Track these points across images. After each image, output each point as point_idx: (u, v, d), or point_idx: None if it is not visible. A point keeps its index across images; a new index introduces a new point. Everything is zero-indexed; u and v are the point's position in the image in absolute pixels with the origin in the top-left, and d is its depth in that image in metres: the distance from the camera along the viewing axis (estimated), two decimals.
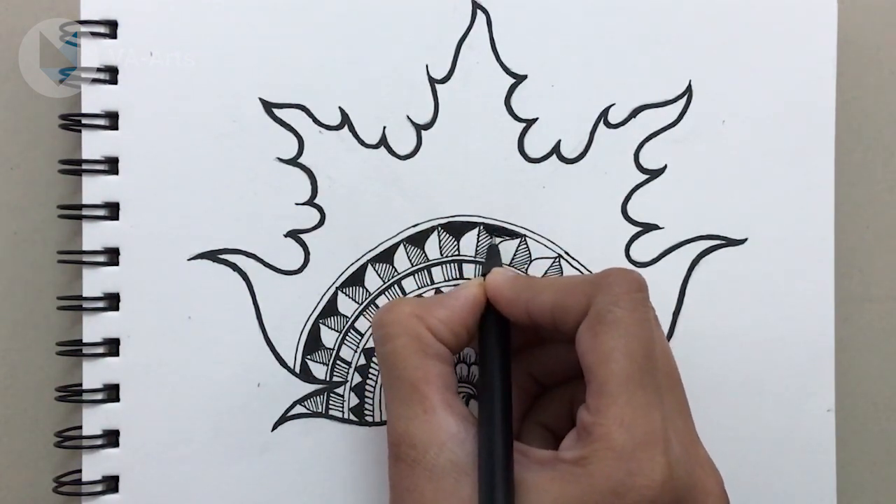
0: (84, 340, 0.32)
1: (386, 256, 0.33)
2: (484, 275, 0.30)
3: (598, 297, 0.26)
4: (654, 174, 0.33)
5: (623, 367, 0.24)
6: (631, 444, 0.23)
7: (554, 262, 0.33)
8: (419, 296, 0.33)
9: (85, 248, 0.32)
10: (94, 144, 0.32)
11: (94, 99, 0.32)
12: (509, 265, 0.33)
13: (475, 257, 0.33)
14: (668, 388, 0.26)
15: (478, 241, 0.33)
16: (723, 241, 0.33)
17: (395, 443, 0.26)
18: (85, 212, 0.32)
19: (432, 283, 0.33)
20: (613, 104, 0.33)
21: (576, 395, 0.29)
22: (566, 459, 0.24)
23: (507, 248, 0.33)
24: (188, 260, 0.32)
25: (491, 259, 0.32)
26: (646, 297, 0.26)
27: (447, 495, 0.25)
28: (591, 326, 0.25)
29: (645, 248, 0.33)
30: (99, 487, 0.32)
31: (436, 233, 0.33)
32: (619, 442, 0.23)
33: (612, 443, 0.23)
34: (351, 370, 0.33)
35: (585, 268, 0.33)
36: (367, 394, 0.33)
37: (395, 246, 0.33)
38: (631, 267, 0.33)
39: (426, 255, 0.33)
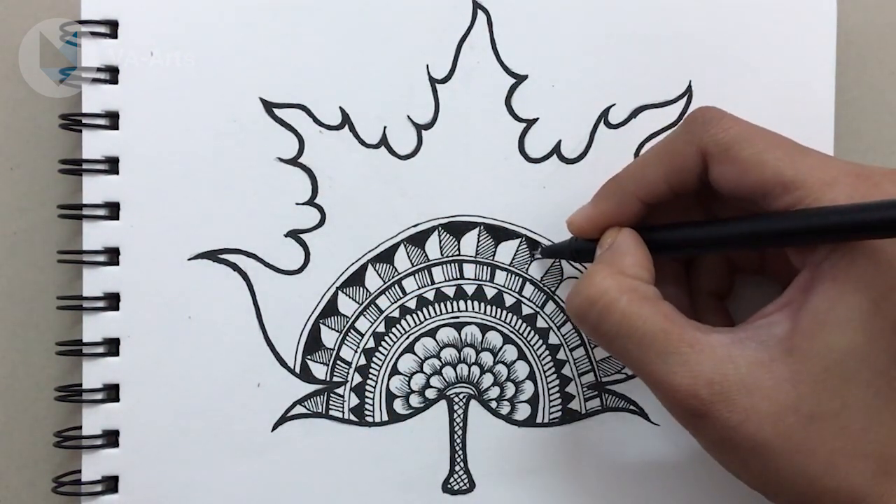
0: (84, 340, 0.32)
1: (386, 256, 0.33)
2: (575, 252, 0.31)
3: (706, 137, 0.26)
4: None
5: (786, 150, 0.25)
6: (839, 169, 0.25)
7: (554, 262, 0.33)
8: (421, 297, 0.33)
9: (85, 248, 0.32)
10: (94, 144, 0.32)
11: (95, 99, 0.32)
12: (509, 265, 0.33)
13: (475, 257, 0.33)
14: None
15: (478, 241, 0.33)
16: None
17: (686, 397, 0.24)
18: (85, 212, 0.32)
19: (433, 283, 0.33)
20: (614, 104, 0.33)
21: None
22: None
23: (510, 248, 0.33)
24: (188, 260, 0.32)
25: (559, 249, 0.32)
26: (733, 115, 0.27)
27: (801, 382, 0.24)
28: (724, 157, 0.26)
29: None
30: (98, 487, 0.32)
31: (436, 233, 0.33)
32: (828, 175, 0.25)
33: (827, 177, 0.25)
34: (351, 370, 0.33)
35: (585, 267, 0.33)
36: (367, 394, 0.33)
37: (396, 246, 0.33)
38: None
39: (426, 255, 0.33)
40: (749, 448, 0.24)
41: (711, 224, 0.28)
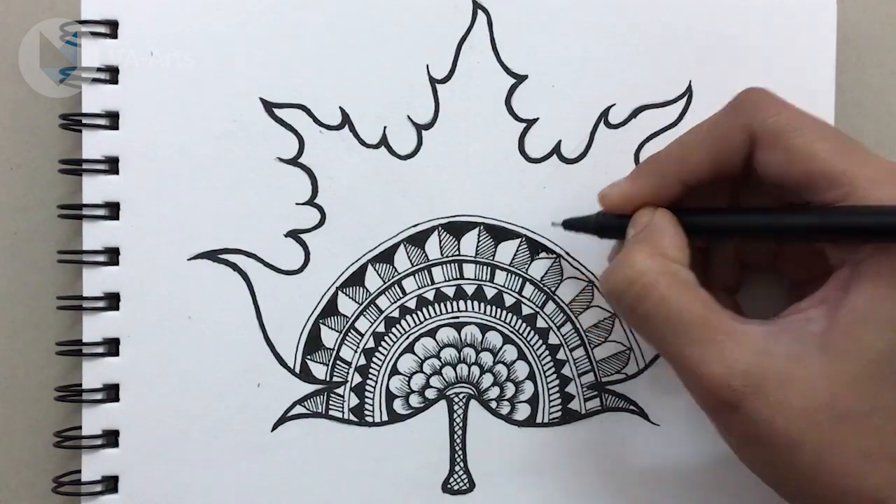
0: (84, 340, 0.32)
1: (386, 256, 0.33)
2: (607, 228, 0.30)
3: (756, 120, 0.26)
4: None
5: (834, 145, 0.25)
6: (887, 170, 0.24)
7: (554, 262, 0.33)
8: (421, 297, 0.33)
9: (85, 248, 0.32)
10: (94, 144, 0.32)
11: (95, 99, 0.32)
12: (509, 265, 0.33)
13: (475, 257, 0.33)
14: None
15: (478, 242, 0.33)
16: None
17: (719, 387, 0.24)
18: (85, 212, 0.32)
19: (433, 283, 0.33)
20: (614, 104, 0.33)
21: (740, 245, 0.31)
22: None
23: (510, 248, 0.33)
24: (188, 260, 0.32)
25: (586, 223, 0.31)
26: (784, 99, 0.26)
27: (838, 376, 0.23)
28: (774, 143, 0.25)
29: None
30: (98, 487, 0.32)
31: (436, 233, 0.33)
32: (880, 173, 0.24)
33: (874, 174, 0.24)
34: (351, 370, 0.33)
35: (585, 267, 0.33)
36: (367, 394, 0.33)
37: (396, 246, 0.33)
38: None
39: (426, 255, 0.33)
40: (777, 443, 0.24)
41: (759, 213, 0.27)
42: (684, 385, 0.26)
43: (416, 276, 0.33)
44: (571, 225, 0.31)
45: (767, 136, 0.26)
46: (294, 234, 0.33)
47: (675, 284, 0.25)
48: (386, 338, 0.33)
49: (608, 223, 0.30)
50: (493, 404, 0.33)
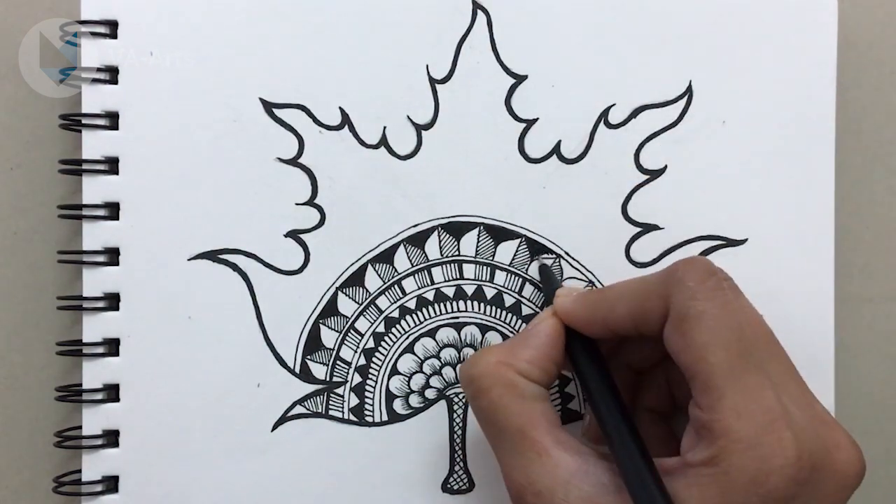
0: (84, 340, 0.32)
1: (386, 256, 0.33)
2: (547, 299, 0.30)
3: (674, 297, 0.25)
4: (654, 174, 0.33)
5: (721, 359, 0.24)
6: (754, 430, 0.23)
7: (554, 262, 0.33)
8: (421, 297, 0.33)
9: (85, 248, 0.32)
10: (94, 144, 0.32)
11: (95, 99, 0.32)
12: (509, 265, 0.33)
13: (475, 257, 0.33)
14: (770, 356, 0.26)
15: (478, 242, 0.33)
16: (723, 242, 0.33)
17: (517, 495, 0.26)
18: (85, 212, 0.32)
19: (432, 283, 0.33)
20: (613, 104, 0.33)
21: (670, 373, 0.30)
22: (695, 462, 0.24)
23: (510, 248, 0.33)
24: (188, 260, 0.32)
25: (547, 281, 0.32)
26: (720, 280, 0.26)
27: None
28: (677, 327, 0.25)
29: (645, 248, 0.33)
30: (99, 487, 0.32)
31: (436, 233, 0.33)
32: (742, 433, 0.23)
33: (736, 435, 0.23)
34: (351, 370, 0.33)
35: (585, 267, 0.33)
36: (367, 394, 0.33)
37: (396, 246, 0.33)
38: (632, 268, 0.33)
39: (426, 256, 0.33)
40: None
41: (594, 383, 0.27)
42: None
43: (416, 276, 0.33)
44: (541, 272, 0.33)
45: (676, 317, 0.25)
46: (294, 234, 0.33)
47: (508, 395, 0.27)
48: (386, 338, 0.33)
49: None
50: None
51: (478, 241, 0.33)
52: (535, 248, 0.33)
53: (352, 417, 0.33)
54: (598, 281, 0.33)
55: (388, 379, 0.33)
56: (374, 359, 0.33)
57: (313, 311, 0.33)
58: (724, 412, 0.24)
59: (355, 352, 0.33)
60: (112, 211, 0.32)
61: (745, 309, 0.26)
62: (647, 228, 0.33)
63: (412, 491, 0.33)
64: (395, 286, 0.33)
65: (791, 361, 0.26)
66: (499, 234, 0.33)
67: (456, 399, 0.33)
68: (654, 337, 0.27)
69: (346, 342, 0.33)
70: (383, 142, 0.33)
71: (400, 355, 0.33)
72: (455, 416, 0.33)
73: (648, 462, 0.25)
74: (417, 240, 0.33)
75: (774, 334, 0.27)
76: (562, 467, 0.25)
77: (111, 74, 0.32)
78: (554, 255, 0.33)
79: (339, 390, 0.33)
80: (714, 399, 0.24)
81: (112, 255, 0.32)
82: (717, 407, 0.24)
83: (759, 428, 0.23)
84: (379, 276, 0.33)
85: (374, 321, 0.33)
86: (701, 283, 0.25)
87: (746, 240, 0.33)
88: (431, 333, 0.33)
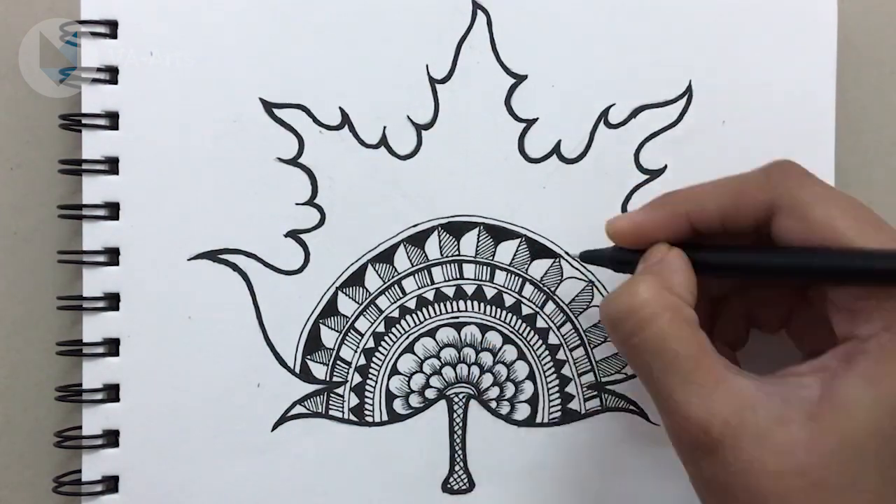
0: (84, 340, 0.32)
1: (386, 256, 0.33)
2: (613, 260, 0.30)
3: (781, 187, 0.26)
4: (654, 174, 0.33)
5: (852, 225, 0.25)
6: None
7: (554, 262, 0.33)
8: (421, 297, 0.33)
9: (85, 248, 0.32)
10: (94, 144, 0.32)
11: (94, 99, 0.32)
12: (509, 265, 0.33)
13: (475, 257, 0.33)
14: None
15: (478, 241, 0.33)
16: None
17: (702, 429, 0.24)
18: (85, 212, 0.32)
19: (432, 283, 0.33)
20: (613, 104, 0.33)
21: (750, 304, 0.31)
22: (868, 334, 0.24)
23: (510, 248, 0.33)
24: (188, 260, 0.32)
25: (595, 254, 0.31)
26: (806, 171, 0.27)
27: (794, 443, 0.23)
28: (792, 212, 0.25)
29: None
30: (99, 487, 0.32)
31: (436, 233, 0.33)
32: None
33: None
34: (351, 370, 0.33)
35: (585, 267, 0.33)
36: (367, 394, 0.33)
37: (396, 246, 0.33)
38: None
39: (426, 255, 0.33)
40: (740, 497, 0.24)
41: (768, 252, 0.27)
42: (662, 420, 0.26)
43: (416, 276, 0.33)
44: (588, 258, 0.31)
45: (790, 204, 0.26)
46: (294, 234, 0.33)
47: (676, 321, 0.25)
48: (386, 338, 0.33)
49: (623, 258, 0.29)
50: (493, 404, 0.33)
51: (478, 241, 0.33)
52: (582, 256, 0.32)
53: (352, 417, 0.33)
54: (598, 281, 0.33)
55: (389, 379, 0.33)
56: (374, 359, 0.33)
57: (313, 311, 0.33)
58: (877, 244, 0.24)
59: (355, 352, 0.33)
60: (112, 211, 0.32)
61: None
62: None
63: (412, 491, 0.33)
64: (395, 286, 0.33)
65: None
66: (499, 233, 0.33)
67: (456, 399, 0.33)
68: (740, 232, 0.27)
69: (346, 342, 0.33)
70: (383, 142, 0.33)
71: (400, 355, 0.33)
72: (455, 416, 0.33)
73: None
74: (417, 240, 0.33)
75: None
76: (742, 390, 0.24)
77: (111, 74, 0.32)
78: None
79: (339, 390, 0.33)
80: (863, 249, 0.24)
81: (112, 255, 0.32)
82: (871, 245, 0.24)
83: None
84: (379, 275, 0.33)
85: (374, 321, 0.33)
86: (805, 176, 0.26)
87: None
88: (431, 333, 0.33)
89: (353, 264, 0.33)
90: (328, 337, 0.33)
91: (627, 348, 0.26)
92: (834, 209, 0.25)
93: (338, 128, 0.33)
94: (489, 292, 0.33)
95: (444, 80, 0.33)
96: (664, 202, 0.28)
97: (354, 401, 0.33)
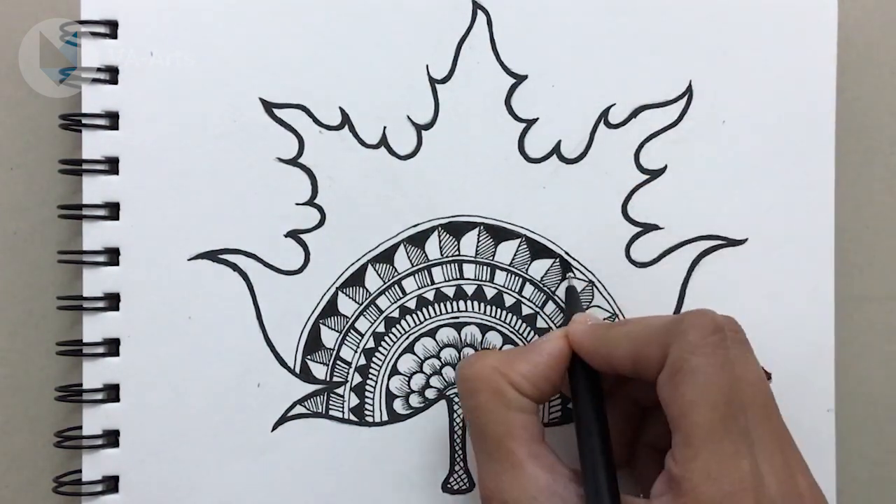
0: (84, 340, 0.32)
1: (386, 256, 0.33)
2: (566, 320, 0.30)
3: (673, 347, 0.25)
4: (654, 174, 0.33)
5: (705, 419, 0.24)
6: (720, 497, 0.23)
7: (554, 262, 0.33)
8: (421, 297, 0.33)
9: (85, 248, 0.32)
10: (94, 144, 0.32)
11: (95, 99, 0.32)
12: (509, 265, 0.33)
13: (475, 257, 0.33)
14: (761, 421, 0.24)
15: (478, 242, 0.33)
16: (723, 242, 0.33)
17: (487, 498, 0.27)
18: (85, 212, 0.32)
19: (432, 283, 0.33)
20: (613, 104, 0.33)
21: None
22: None
23: (510, 248, 0.33)
24: (188, 260, 0.32)
25: (571, 303, 0.32)
26: (722, 338, 0.25)
27: None
28: (670, 377, 0.25)
29: (645, 248, 0.33)
30: (99, 487, 0.32)
31: (436, 233, 0.33)
32: (706, 496, 0.23)
33: (701, 496, 0.23)
34: (351, 370, 0.33)
35: (585, 267, 0.33)
36: (367, 394, 0.33)
37: (396, 246, 0.33)
38: (632, 268, 0.33)
39: (426, 256, 0.33)
40: None
41: (584, 412, 0.28)
42: None
43: (416, 276, 0.33)
44: (567, 293, 0.33)
45: (670, 365, 0.25)
46: (294, 234, 0.33)
47: (493, 402, 0.27)
48: (386, 338, 0.33)
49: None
50: None
51: (478, 241, 0.33)
52: (567, 268, 0.33)
53: (352, 417, 0.33)
54: (599, 281, 0.33)
55: (389, 379, 0.33)
56: (374, 359, 0.33)
57: (313, 311, 0.33)
58: (696, 472, 0.24)
59: (355, 352, 0.33)
60: (112, 211, 0.32)
61: (747, 368, 0.25)
62: (647, 228, 0.33)
63: (412, 491, 0.33)
64: (396, 286, 0.33)
65: (785, 429, 0.26)
66: (499, 234, 0.33)
67: (456, 399, 0.33)
68: (651, 382, 0.26)
69: (346, 342, 0.33)
70: (383, 142, 0.33)
71: (400, 355, 0.33)
72: (455, 416, 0.33)
73: (614, 498, 0.25)
74: (417, 240, 0.33)
75: (773, 398, 0.26)
76: (532, 482, 0.26)
77: (111, 74, 0.32)
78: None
79: (340, 390, 0.33)
80: (689, 456, 0.24)
81: (112, 255, 0.32)
82: (690, 465, 0.24)
83: (725, 496, 0.23)
84: (379, 276, 0.33)
85: (375, 321, 0.33)
86: (703, 339, 0.25)
87: (746, 239, 0.33)
88: (431, 333, 0.33)
89: (353, 264, 0.33)
90: (328, 337, 0.33)
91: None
92: (702, 396, 0.24)
93: (338, 128, 0.33)
94: (489, 292, 0.33)
95: (444, 81, 0.33)
96: (596, 334, 0.28)
97: (354, 401, 0.33)
